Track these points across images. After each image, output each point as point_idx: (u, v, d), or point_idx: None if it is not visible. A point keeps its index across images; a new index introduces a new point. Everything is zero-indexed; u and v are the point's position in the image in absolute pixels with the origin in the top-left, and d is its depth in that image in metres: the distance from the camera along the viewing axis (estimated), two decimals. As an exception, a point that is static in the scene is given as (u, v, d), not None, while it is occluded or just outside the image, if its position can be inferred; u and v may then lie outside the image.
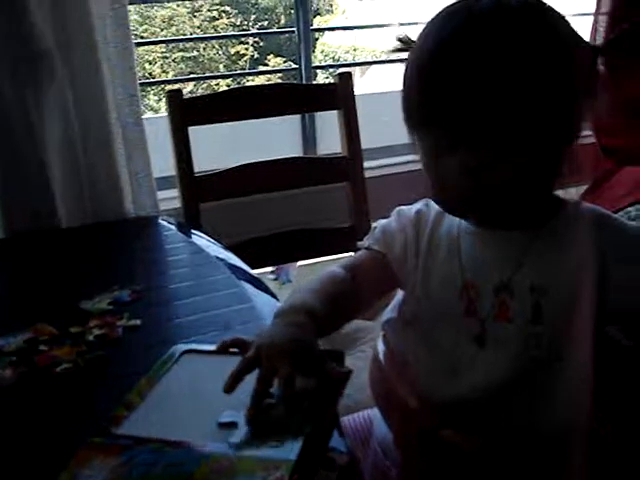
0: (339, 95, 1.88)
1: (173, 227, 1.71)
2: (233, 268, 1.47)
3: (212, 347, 0.98)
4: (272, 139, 2.39)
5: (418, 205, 1.05)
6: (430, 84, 0.87)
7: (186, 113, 1.77)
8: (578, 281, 0.90)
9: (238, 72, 10.11)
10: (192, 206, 1.80)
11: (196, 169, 1.81)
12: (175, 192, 1.84)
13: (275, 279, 2.36)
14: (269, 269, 2.34)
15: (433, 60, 0.87)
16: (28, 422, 0.95)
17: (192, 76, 9.66)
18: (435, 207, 1.01)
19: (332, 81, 1.92)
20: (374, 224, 1.10)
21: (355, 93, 1.89)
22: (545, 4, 0.88)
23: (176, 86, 7.03)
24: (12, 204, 1.64)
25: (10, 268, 1.53)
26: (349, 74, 1.89)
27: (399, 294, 1.07)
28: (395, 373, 0.99)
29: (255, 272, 1.47)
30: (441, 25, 0.89)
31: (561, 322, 0.90)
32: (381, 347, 1.07)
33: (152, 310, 1.25)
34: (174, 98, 1.76)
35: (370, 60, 8.25)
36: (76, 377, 1.03)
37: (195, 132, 1.80)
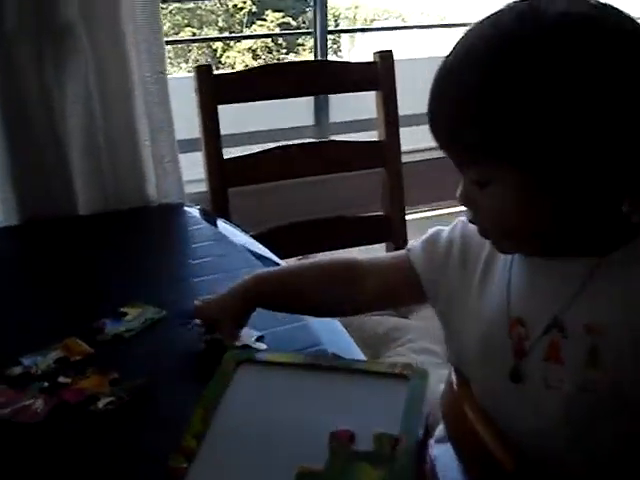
0: (379, 75, 1.74)
1: (198, 215, 1.60)
2: (262, 259, 1.38)
3: (267, 355, 0.89)
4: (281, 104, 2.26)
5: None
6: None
7: (216, 90, 1.63)
8: None
9: (258, 34, 9.62)
10: (220, 192, 1.67)
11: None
12: (201, 174, 1.70)
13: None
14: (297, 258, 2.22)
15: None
16: (66, 466, 0.83)
17: (194, 37, 9.35)
18: None
19: (371, 58, 1.77)
20: (431, 229, 0.98)
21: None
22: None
23: (173, 37, 6.79)
24: (27, 188, 1.50)
25: (23, 260, 1.40)
26: (390, 53, 1.75)
27: None
28: (480, 424, 0.87)
29: (284, 262, 1.38)
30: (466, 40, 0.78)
31: (623, 368, 0.77)
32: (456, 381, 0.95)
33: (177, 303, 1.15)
34: (204, 74, 1.61)
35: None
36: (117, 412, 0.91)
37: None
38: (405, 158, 1.85)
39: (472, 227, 0.88)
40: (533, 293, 0.83)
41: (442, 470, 0.95)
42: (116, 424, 0.88)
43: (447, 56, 0.79)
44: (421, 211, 2.44)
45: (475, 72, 0.74)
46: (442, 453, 0.95)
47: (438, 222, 1.00)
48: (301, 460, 0.72)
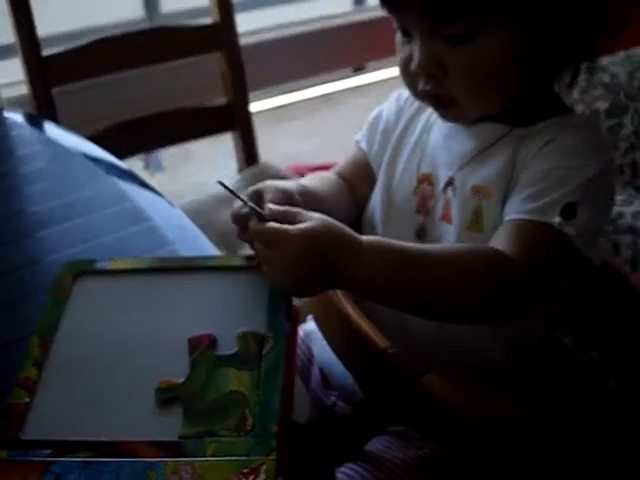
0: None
1: (22, 120, 1.43)
2: (98, 161, 1.24)
3: (108, 263, 0.76)
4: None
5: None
6: None
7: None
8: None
9: None
10: (42, 93, 1.51)
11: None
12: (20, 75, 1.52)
13: (146, 167, 2.09)
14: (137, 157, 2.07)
15: None
16: None
17: None
18: None
19: None
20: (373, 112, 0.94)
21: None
22: None
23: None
24: None
25: None
26: None
27: None
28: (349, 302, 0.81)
29: (123, 163, 1.26)
30: None
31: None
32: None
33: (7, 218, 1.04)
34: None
35: None
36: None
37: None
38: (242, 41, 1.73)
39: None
40: (443, 153, 0.82)
41: (315, 347, 0.92)
42: None
43: None
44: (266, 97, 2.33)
45: None
46: (314, 330, 0.90)
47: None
48: (160, 375, 0.65)
